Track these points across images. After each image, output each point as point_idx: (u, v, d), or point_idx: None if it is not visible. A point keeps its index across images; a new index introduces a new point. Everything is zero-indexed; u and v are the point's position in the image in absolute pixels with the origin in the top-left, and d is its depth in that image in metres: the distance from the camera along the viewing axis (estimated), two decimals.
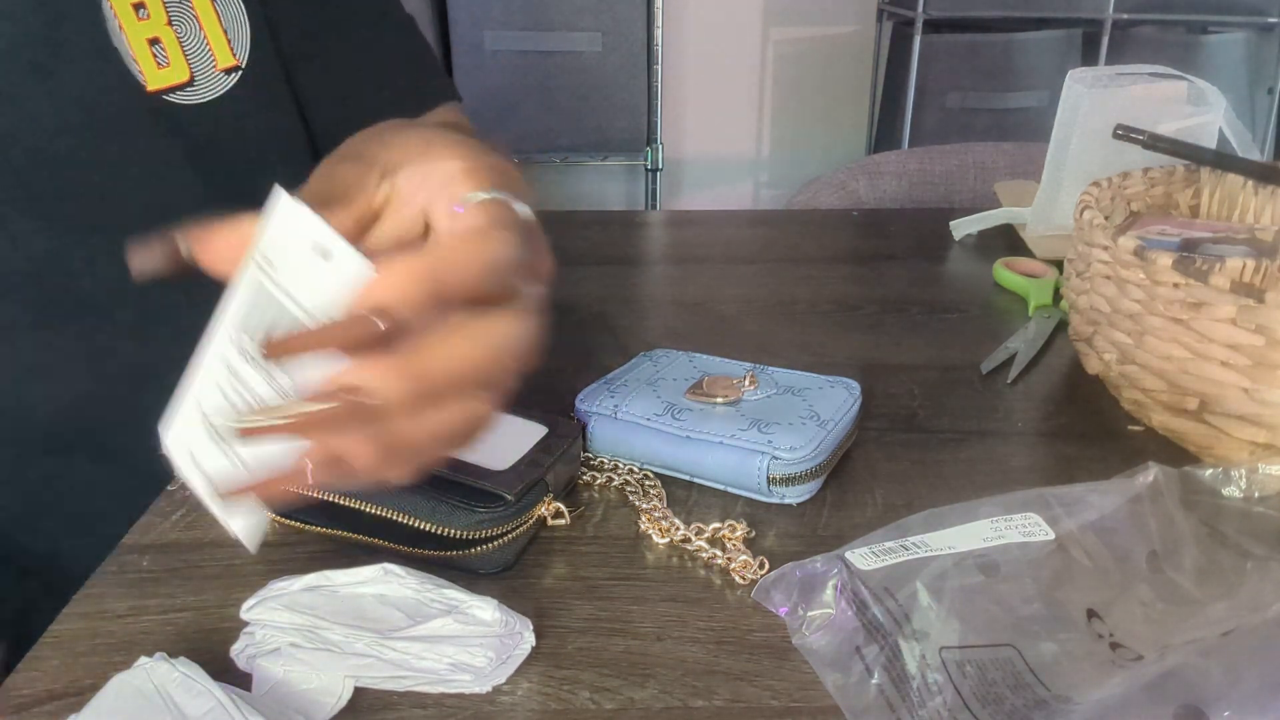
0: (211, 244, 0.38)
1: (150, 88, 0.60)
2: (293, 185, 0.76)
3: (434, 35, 2.51)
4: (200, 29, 0.62)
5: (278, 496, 0.37)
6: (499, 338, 0.35)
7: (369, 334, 0.33)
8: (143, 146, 0.61)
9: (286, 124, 0.68)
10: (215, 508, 0.38)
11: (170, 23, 0.60)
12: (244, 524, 0.38)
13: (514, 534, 0.47)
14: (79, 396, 0.64)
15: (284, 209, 0.36)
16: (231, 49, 0.63)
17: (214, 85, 0.63)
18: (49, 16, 0.57)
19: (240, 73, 0.64)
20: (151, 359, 0.64)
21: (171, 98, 0.61)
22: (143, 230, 0.62)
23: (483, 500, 0.46)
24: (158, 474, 0.52)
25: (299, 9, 0.68)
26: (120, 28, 0.58)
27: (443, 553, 0.46)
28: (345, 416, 0.34)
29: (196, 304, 0.65)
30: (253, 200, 0.68)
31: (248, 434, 0.36)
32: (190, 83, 0.62)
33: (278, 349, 0.35)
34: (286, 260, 0.36)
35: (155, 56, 0.60)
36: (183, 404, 0.38)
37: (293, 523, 0.50)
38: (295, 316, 0.36)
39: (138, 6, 0.59)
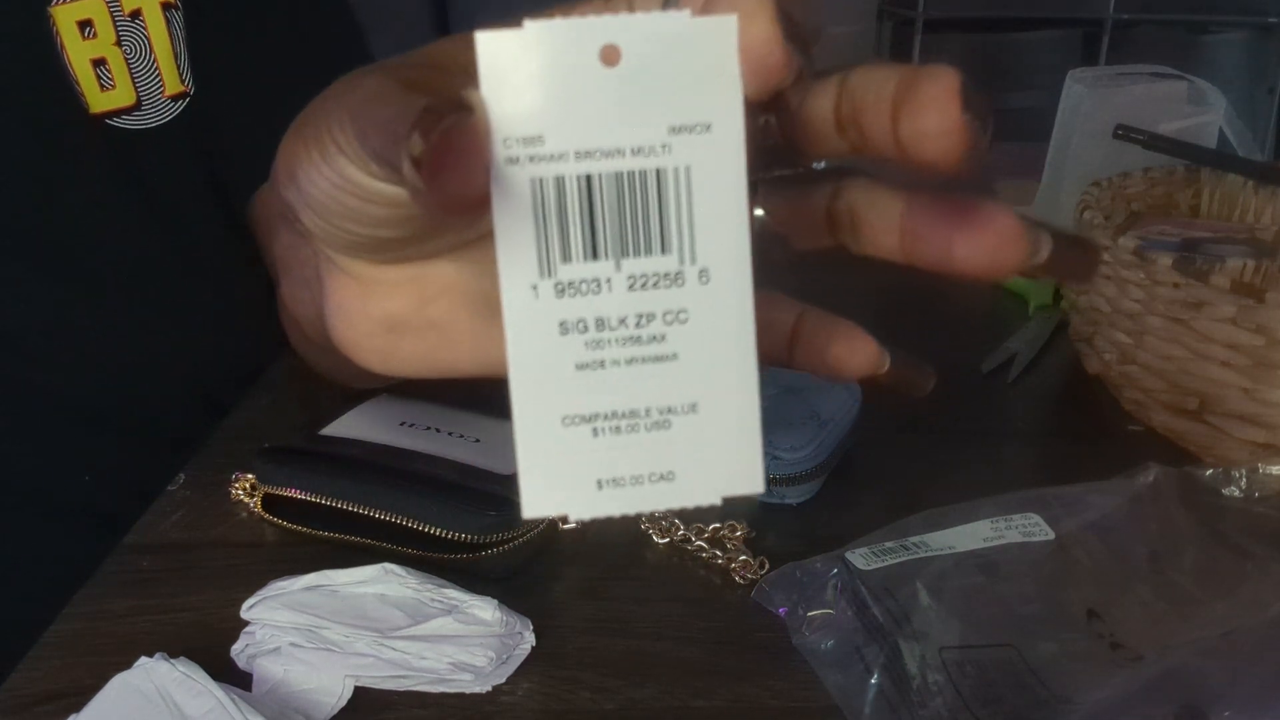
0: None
1: (93, 110, 0.58)
2: (240, 222, 0.67)
3: (434, 36, 2.51)
4: (151, 51, 0.59)
5: None
6: None
7: None
8: (82, 171, 0.58)
9: (236, 157, 0.63)
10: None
11: (119, 43, 0.57)
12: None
13: (524, 537, 0.47)
14: None
15: (513, 39, 0.20)
16: (180, 75, 0.60)
17: (161, 111, 0.60)
18: None
19: (188, 99, 0.61)
20: (70, 396, 0.61)
21: (116, 122, 0.59)
22: (72, 257, 0.60)
23: (492, 504, 0.46)
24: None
25: (234, 43, 0.64)
26: (63, 46, 0.56)
27: (451, 556, 0.46)
28: None
29: (127, 338, 0.62)
30: (198, 235, 0.63)
31: None
32: (136, 107, 0.59)
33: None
34: (573, 105, 0.21)
35: (99, 78, 0.57)
36: (523, 429, 0.22)
37: (297, 528, 0.49)
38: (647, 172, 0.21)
39: (84, 25, 0.56)
